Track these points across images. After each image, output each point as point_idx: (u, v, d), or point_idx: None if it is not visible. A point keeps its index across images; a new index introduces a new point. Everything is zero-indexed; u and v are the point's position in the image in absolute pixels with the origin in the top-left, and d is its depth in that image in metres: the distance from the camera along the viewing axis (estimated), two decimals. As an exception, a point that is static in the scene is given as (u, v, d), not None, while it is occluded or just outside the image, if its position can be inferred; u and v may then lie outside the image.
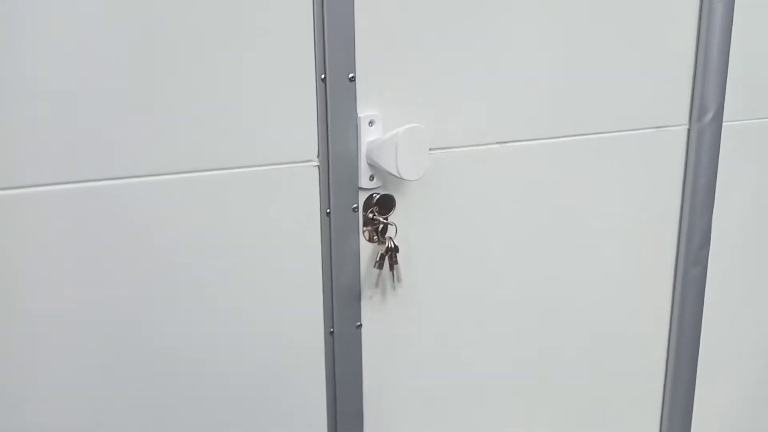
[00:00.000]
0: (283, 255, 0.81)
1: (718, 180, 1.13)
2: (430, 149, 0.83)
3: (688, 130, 1.10)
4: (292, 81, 0.77)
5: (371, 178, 0.84)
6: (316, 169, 0.81)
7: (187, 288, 0.76)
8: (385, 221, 0.86)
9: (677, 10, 1.04)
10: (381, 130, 0.83)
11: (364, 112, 0.82)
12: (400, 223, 0.87)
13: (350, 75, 0.80)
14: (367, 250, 0.87)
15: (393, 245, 0.85)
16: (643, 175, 1.08)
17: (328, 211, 0.82)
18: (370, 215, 0.86)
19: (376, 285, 0.86)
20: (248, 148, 0.76)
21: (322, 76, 0.79)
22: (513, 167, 0.96)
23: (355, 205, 0.84)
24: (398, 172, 0.80)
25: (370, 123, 0.82)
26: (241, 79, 0.75)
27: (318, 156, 0.81)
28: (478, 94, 0.90)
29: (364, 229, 0.86)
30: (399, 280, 0.87)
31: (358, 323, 0.87)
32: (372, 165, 0.83)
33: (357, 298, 0.87)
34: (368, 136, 0.82)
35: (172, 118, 0.72)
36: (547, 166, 0.99)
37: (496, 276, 0.97)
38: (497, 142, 0.95)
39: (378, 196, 0.85)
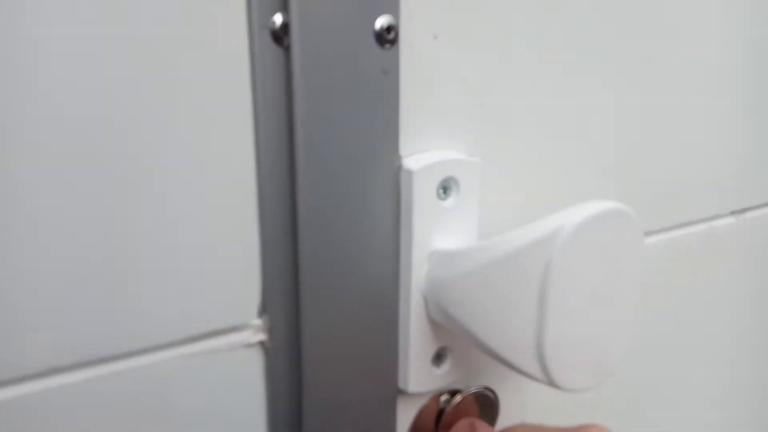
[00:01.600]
0: None
1: None
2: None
3: None
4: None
5: (438, 356, 0.27)
6: (258, 351, 0.23)
7: None
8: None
9: None
10: (473, 218, 0.25)
11: (414, 146, 0.24)
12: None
13: (381, 25, 0.22)
14: None
15: None
16: None
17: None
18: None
19: None
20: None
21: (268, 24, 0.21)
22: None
23: (389, 447, 0.27)
24: (547, 372, 0.22)
25: (444, 189, 0.25)
26: None
27: (262, 312, 0.23)
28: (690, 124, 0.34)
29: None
30: None
31: None
32: (441, 321, 0.25)
33: None
34: (434, 239, 0.25)
35: None
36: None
37: None
38: (731, 213, 0.39)
39: (454, 402, 0.28)
